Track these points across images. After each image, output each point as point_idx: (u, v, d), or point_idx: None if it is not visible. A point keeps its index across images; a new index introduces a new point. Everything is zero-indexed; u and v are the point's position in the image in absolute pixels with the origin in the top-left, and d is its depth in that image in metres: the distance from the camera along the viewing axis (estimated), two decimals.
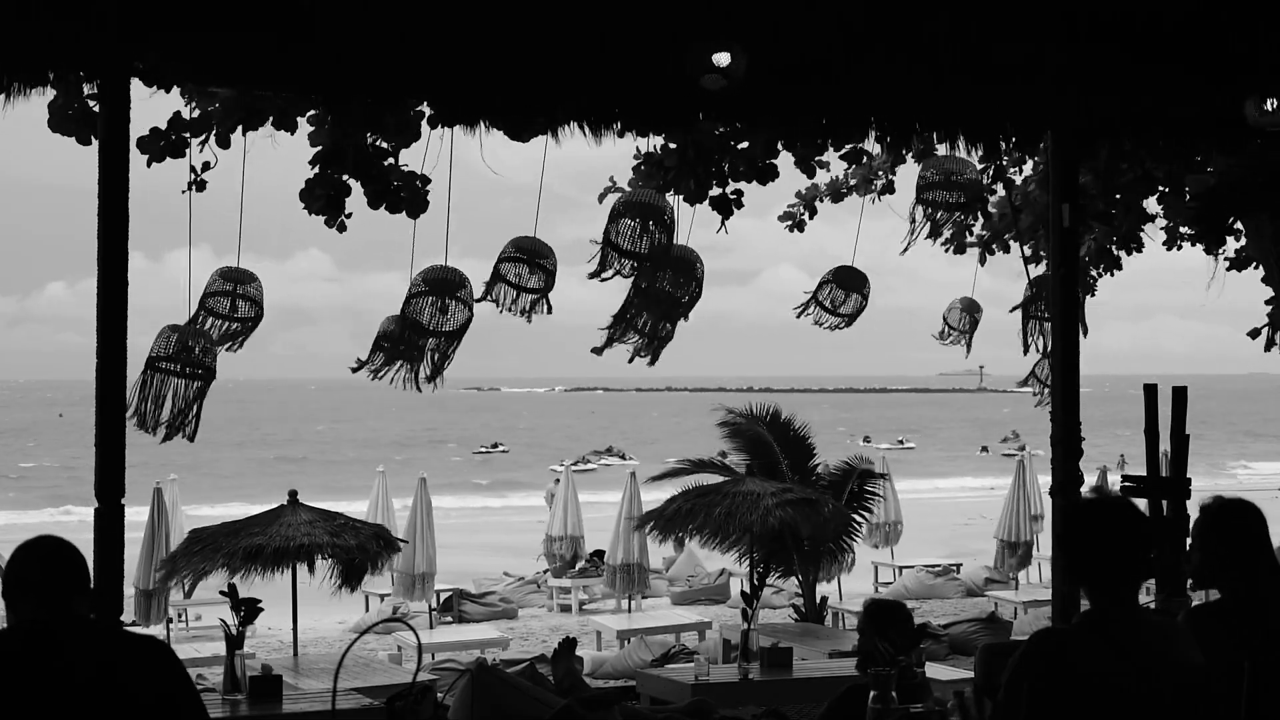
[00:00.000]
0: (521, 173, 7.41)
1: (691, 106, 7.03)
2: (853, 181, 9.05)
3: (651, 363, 7.84)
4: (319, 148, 6.87)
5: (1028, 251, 9.27)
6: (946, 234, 8.50)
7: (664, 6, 6.19)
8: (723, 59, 6.03)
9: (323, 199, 6.90)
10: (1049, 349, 8.17)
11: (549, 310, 7.45)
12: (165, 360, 6.71)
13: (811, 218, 9.31)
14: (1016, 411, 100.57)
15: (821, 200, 9.19)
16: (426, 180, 7.03)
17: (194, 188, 6.84)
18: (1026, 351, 8.69)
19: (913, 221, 7.96)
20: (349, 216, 7.04)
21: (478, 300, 7.36)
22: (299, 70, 6.39)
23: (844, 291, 8.46)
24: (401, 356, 7.27)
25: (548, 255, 7.43)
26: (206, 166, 6.80)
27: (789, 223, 9.27)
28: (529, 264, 7.39)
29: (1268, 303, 9.72)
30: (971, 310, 9.19)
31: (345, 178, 6.95)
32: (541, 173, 7.40)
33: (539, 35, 6.24)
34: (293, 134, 6.86)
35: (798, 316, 8.46)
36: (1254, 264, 9.83)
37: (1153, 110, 7.55)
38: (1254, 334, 9.90)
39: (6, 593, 3.72)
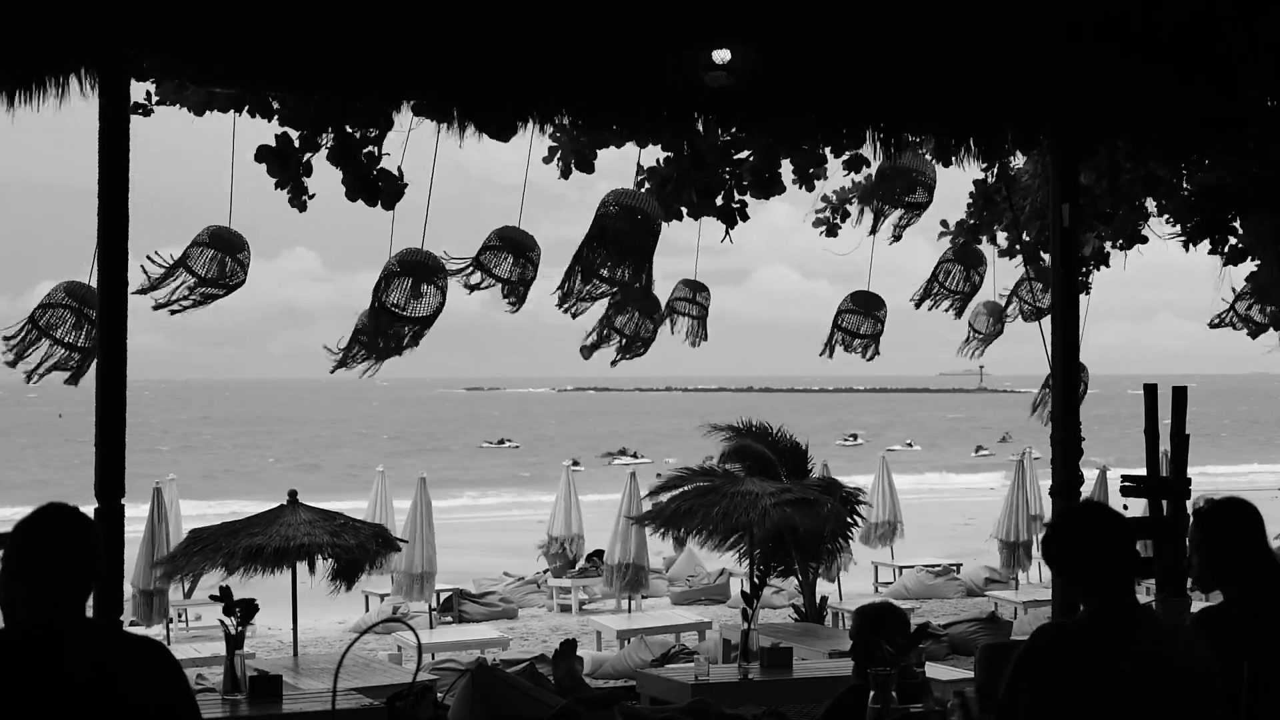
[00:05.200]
0: (514, 171, 7.40)
1: (688, 108, 7.03)
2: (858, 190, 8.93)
3: (641, 353, 7.86)
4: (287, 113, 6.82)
5: (1027, 240, 9.25)
6: (901, 235, 8.47)
7: (660, 8, 6.18)
8: (724, 55, 6.02)
9: (278, 160, 6.81)
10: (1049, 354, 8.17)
11: (514, 305, 7.34)
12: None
13: (843, 220, 9.03)
14: (1017, 413, 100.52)
15: (850, 201, 8.98)
16: (401, 175, 6.99)
17: (141, 111, 6.53)
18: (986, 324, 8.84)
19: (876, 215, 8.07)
20: (312, 197, 6.96)
21: (470, 286, 7.28)
22: (298, 70, 6.39)
23: (860, 316, 8.49)
24: (377, 350, 7.17)
25: (532, 248, 7.40)
26: (161, 103, 6.57)
27: (822, 228, 9.09)
28: (513, 254, 7.34)
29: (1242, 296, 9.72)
30: (997, 315, 9.18)
31: (313, 159, 6.88)
32: (526, 171, 7.40)
33: (536, 37, 6.24)
34: (269, 120, 6.81)
35: (822, 353, 8.52)
36: (1250, 258, 9.82)
37: (1152, 110, 7.55)
38: (1215, 324, 9.87)
39: (5, 583, 3.62)
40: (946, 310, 8.77)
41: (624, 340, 7.85)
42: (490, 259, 7.29)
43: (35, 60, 5.77)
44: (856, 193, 8.87)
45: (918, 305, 8.81)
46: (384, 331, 7.08)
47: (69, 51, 5.76)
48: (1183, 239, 9.28)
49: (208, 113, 6.67)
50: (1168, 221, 9.63)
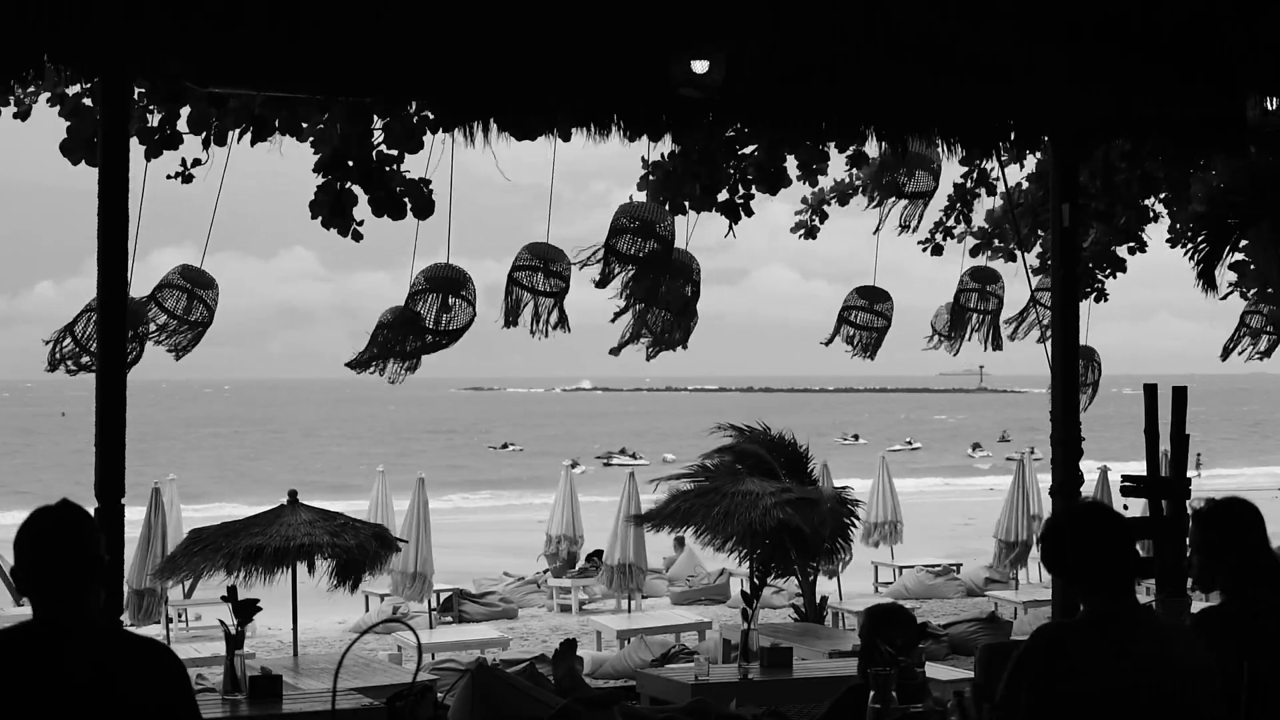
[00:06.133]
0: (513, 172, 7.41)
1: (691, 109, 7.02)
2: (858, 183, 8.97)
3: (683, 344, 7.90)
4: (320, 155, 6.87)
5: (1034, 259, 9.27)
6: (913, 225, 8.50)
7: (662, 9, 6.18)
8: (700, 67, 6.03)
9: (327, 207, 6.90)
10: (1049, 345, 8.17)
11: (564, 325, 7.39)
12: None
13: (822, 222, 9.15)
14: (1017, 412, 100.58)
15: (829, 203, 9.08)
16: (427, 182, 7.02)
17: (180, 179, 6.78)
18: (998, 348, 8.86)
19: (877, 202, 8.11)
20: (361, 224, 7.04)
21: (506, 325, 7.33)
22: (300, 70, 6.39)
23: (869, 313, 8.52)
24: (393, 353, 7.24)
25: (561, 260, 7.42)
26: (197, 162, 6.80)
27: (800, 231, 9.17)
28: (544, 271, 7.37)
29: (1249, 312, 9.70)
30: (957, 315, 9.17)
31: (349, 185, 6.94)
32: (552, 176, 7.40)
33: (539, 38, 6.23)
34: (301, 140, 6.85)
35: (827, 344, 8.55)
36: (1249, 265, 9.81)
37: (1152, 110, 7.54)
38: (1225, 354, 9.85)
39: (18, 584, 3.63)
40: (978, 330, 8.81)
41: (654, 336, 7.92)
42: (523, 277, 7.34)
43: (35, 60, 5.77)
44: (835, 194, 8.94)
45: (949, 338, 8.86)
46: (407, 339, 7.18)
47: (69, 51, 5.76)
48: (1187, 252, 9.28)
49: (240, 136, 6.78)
50: (1171, 241, 9.63)
